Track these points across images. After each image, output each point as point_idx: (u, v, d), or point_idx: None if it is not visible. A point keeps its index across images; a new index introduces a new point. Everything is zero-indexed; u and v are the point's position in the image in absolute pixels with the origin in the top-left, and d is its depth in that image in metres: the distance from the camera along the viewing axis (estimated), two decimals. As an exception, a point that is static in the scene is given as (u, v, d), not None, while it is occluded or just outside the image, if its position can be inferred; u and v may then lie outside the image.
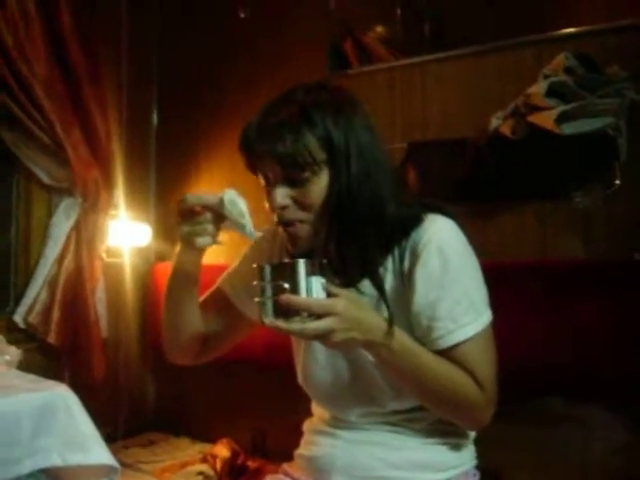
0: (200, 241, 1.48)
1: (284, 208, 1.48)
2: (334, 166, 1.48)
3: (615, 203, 2.23)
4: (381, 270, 1.56)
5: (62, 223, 3.10)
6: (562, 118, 2.12)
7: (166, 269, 3.35)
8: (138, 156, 3.51)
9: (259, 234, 1.47)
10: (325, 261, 1.41)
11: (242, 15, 3.24)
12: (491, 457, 1.84)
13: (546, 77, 2.23)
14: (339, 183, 1.48)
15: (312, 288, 1.34)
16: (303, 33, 3.07)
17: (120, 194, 3.25)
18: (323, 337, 1.34)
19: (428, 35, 2.81)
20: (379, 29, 3.02)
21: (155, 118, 3.62)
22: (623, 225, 2.23)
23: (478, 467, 1.75)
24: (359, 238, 1.52)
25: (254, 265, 1.39)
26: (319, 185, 1.48)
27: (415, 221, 1.54)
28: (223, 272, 1.78)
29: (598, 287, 2.17)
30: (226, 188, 1.44)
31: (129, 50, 3.43)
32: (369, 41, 2.99)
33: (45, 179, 3.09)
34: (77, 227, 3.09)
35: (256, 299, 1.37)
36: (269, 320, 1.34)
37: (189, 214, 1.47)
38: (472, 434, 1.72)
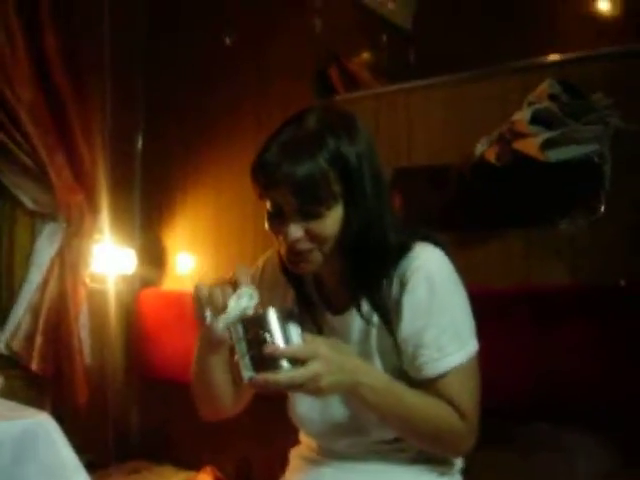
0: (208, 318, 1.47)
1: (297, 241, 1.47)
2: (350, 198, 1.47)
3: (600, 230, 2.23)
4: (364, 303, 1.56)
5: (46, 248, 3.08)
6: (547, 145, 2.13)
7: (151, 295, 3.37)
8: (123, 180, 3.49)
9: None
10: (296, 309, 1.41)
11: (227, 41, 3.25)
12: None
13: (530, 104, 2.24)
14: (356, 216, 1.48)
15: (290, 335, 1.33)
16: (288, 59, 3.08)
17: (104, 219, 3.23)
18: (311, 383, 1.33)
19: (413, 61, 2.82)
20: (365, 55, 3.04)
21: (140, 142, 3.61)
22: (608, 251, 2.23)
23: (465, 495, 1.75)
24: (364, 266, 1.52)
25: (223, 325, 1.39)
26: (334, 219, 1.47)
27: (404, 249, 1.54)
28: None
29: (583, 313, 2.17)
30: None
31: (114, 74, 3.42)
32: (355, 67, 3.00)
33: (29, 204, 3.07)
34: (61, 252, 3.07)
35: (235, 359, 1.36)
36: (250, 375, 1.32)
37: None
38: (459, 463, 1.72)
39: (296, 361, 1.31)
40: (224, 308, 1.40)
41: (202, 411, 1.74)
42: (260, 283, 1.75)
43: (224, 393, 1.68)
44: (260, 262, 1.79)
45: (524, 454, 2.34)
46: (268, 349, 1.30)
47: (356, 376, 1.39)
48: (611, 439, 2.20)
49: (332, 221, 1.47)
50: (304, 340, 1.35)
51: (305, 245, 1.48)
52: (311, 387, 1.34)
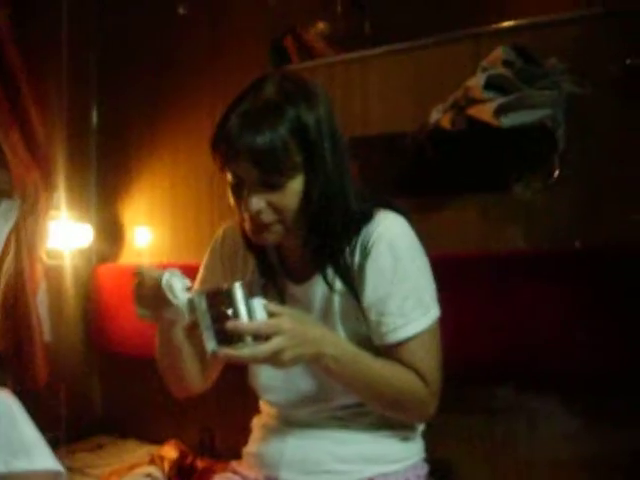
0: (140, 312, 1.49)
1: (259, 212, 1.47)
2: (311, 168, 1.48)
3: (555, 194, 2.25)
4: (327, 270, 1.57)
5: (1, 225, 3.04)
6: (500, 110, 2.14)
7: (108, 270, 3.34)
8: (78, 156, 3.45)
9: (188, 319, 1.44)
10: (263, 281, 1.41)
11: (181, 11, 3.22)
12: (439, 448, 1.86)
13: (484, 70, 2.24)
14: (317, 186, 1.48)
15: (254, 311, 1.33)
16: (243, 29, 3.05)
17: (60, 195, 3.19)
18: (273, 358, 1.34)
19: (369, 31, 2.81)
20: (320, 25, 3.02)
21: (95, 117, 3.57)
22: (564, 215, 2.25)
23: (427, 459, 1.77)
24: (327, 233, 1.53)
25: (189, 297, 1.40)
26: (295, 189, 1.48)
27: (366, 217, 1.55)
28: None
29: (541, 277, 2.19)
30: (172, 268, 1.44)
31: (67, 49, 3.36)
32: (310, 37, 2.98)
33: (-18, 181, 3.04)
34: (16, 229, 3.03)
35: (198, 331, 1.37)
36: (213, 348, 1.33)
37: (140, 284, 1.47)
38: (420, 427, 1.75)
39: (259, 336, 1.31)
40: (173, 294, 1.41)
41: (172, 389, 1.75)
42: (220, 252, 1.75)
43: (191, 371, 1.68)
44: (220, 231, 1.79)
45: (485, 417, 2.37)
46: (230, 325, 1.30)
47: (319, 347, 1.40)
48: (572, 401, 2.23)
49: (293, 192, 1.47)
50: (269, 314, 1.35)
51: (267, 217, 1.48)
52: (274, 361, 1.35)
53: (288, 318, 1.36)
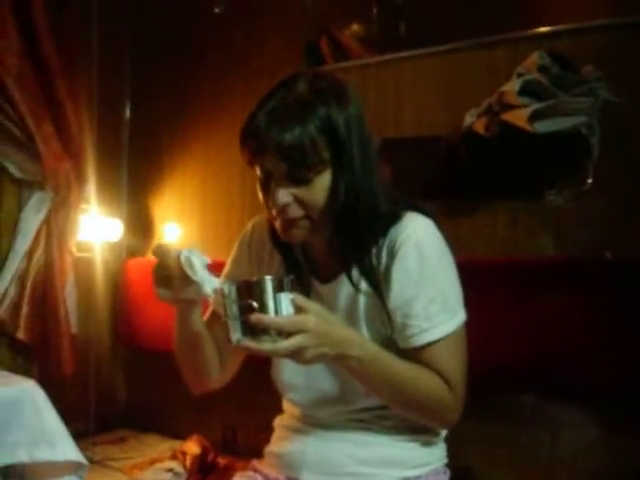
0: (160, 292, 1.46)
1: (286, 206, 1.47)
2: (338, 165, 1.47)
3: (587, 202, 2.23)
4: (353, 271, 1.56)
5: (32, 217, 3.06)
6: (535, 116, 2.12)
7: (137, 265, 3.36)
8: (110, 150, 3.48)
9: (212, 295, 1.42)
10: (292, 276, 1.41)
11: (217, 10, 3.22)
12: (462, 455, 1.85)
13: (520, 75, 2.23)
14: (344, 183, 1.48)
15: (281, 306, 1.33)
16: (279, 29, 3.06)
17: (92, 188, 3.22)
18: (295, 355, 1.33)
19: (404, 33, 2.80)
20: (355, 27, 3.01)
21: (128, 112, 3.59)
22: (595, 224, 2.23)
23: (449, 465, 1.75)
24: (354, 232, 1.52)
25: (218, 286, 1.39)
26: (323, 185, 1.47)
27: (394, 218, 1.55)
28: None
29: (569, 286, 2.18)
30: (192, 247, 1.42)
31: (101, 43, 3.40)
32: (345, 39, 2.98)
33: (16, 173, 3.05)
34: (47, 221, 3.06)
35: (223, 318, 1.37)
36: (237, 339, 1.33)
37: (160, 264, 1.45)
38: (443, 432, 1.73)
39: (282, 332, 1.31)
40: (193, 271, 1.40)
41: (190, 384, 1.75)
42: (249, 246, 1.76)
43: (209, 362, 1.68)
44: (249, 225, 1.79)
45: (508, 425, 2.35)
46: (254, 318, 1.30)
47: (342, 349, 1.39)
48: (595, 410, 2.21)
49: (320, 187, 1.47)
50: (296, 309, 1.34)
51: (294, 211, 1.48)
52: (295, 358, 1.35)
53: (313, 317, 1.35)
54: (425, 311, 1.50)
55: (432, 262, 1.53)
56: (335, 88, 1.52)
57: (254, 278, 1.36)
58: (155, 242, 3.42)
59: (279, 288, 1.33)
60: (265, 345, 1.31)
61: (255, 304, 1.31)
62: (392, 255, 1.53)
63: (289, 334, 1.31)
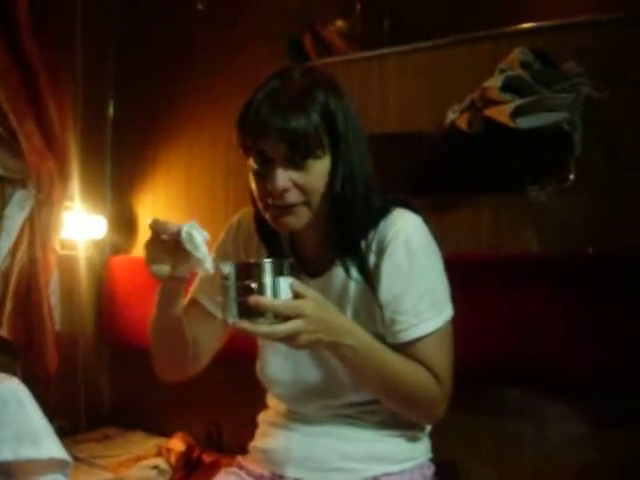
0: (156, 269, 1.41)
1: (285, 191, 1.47)
2: (336, 151, 1.49)
3: (569, 198, 2.25)
4: (348, 261, 1.57)
5: (15, 215, 3.04)
6: (517, 112, 2.13)
7: (121, 262, 3.35)
8: (94, 148, 3.46)
9: (212, 271, 1.40)
10: (292, 260, 1.41)
11: (200, 7, 3.22)
12: (446, 449, 1.86)
13: (502, 71, 2.24)
14: (342, 170, 1.49)
15: (279, 289, 1.33)
16: (262, 25, 3.06)
17: (75, 186, 3.20)
18: (290, 339, 1.33)
19: (387, 29, 2.81)
20: (339, 23, 3.01)
21: (111, 109, 3.58)
22: (577, 219, 2.25)
23: (433, 460, 1.76)
24: (347, 223, 1.53)
25: (212, 268, 1.38)
26: (321, 171, 1.48)
27: (384, 213, 1.56)
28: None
29: (552, 281, 2.19)
30: (190, 220, 1.39)
31: (85, 40, 3.38)
32: (328, 35, 2.98)
33: (-2, 170, 3.05)
34: (31, 219, 3.04)
35: (218, 298, 1.36)
36: (233, 320, 1.33)
37: (154, 241, 1.42)
38: (428, 427, 1.74)
39: (279, 315, 1.32)
40: (195, 247, 1.37)
41: (160, 371, 1.73)
42: (235, 239, 1.75)
43: (183, 352, 1.68)
44: (235, 218, 1.78)
45: (493, 419, 2.36)
46: (252, 300, 1.30)
47: (337, 336, 1.40)
48: (580, 404, 2.23)
49: (319, 173, 1.48)
50: (294, 294, 1.35)
51: (293, 197, 1.48)
52: (290, 342, 1.35)
53: (311, 302, 1.35)
54: (414, 307, 1.51)
55: (421, 258, 1.54)
56: (330, 79, 1.55)
57: (254, 260, 1.36)
58: (139, 239, 3.42)
59: (278, 272, 1.33)
60: (262, 328, 1.31)
61: (254, 286, 1.31)
62: (381, 251, 1.54)
63: (286, 318, 1.31)
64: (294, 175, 1.47)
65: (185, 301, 1.69)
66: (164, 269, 1.42)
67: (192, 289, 1.74)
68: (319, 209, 1.51)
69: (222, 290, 1.35)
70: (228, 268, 1.34)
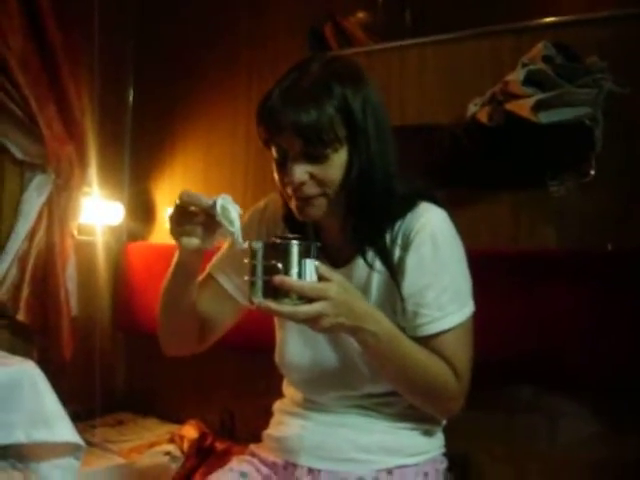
0: (186, 241, 1.43)
1: (302, 184, 1.47)
2: (354, 143, 1.48)
3: (590, 193, 2.24)
4: (372, 252, 1.56)
5: (34, 199, 3.06)
6: (539, 106, 2.12)
7: (138, 249, 3.36)
8: (113, 134, 3.47)
9: (245, 245, 1.39)
10: (319, 243, 1.40)
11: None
12: (459, 443, 1.86)
13: (524, 65, 2.22)
14: (359, 161, 1.48)
15: (305, 270, 1.33)
16: (284, 15, 3.07)
17: (94, 172, 3.22)
18: (313, 321, 1.33)
19: (409, 21, 2.80)
20: (360, 14, 3.01)
21: (131, 96, 3.58)
22: (597, 215, 2.24)
23: (446, 454, 1.76)
24: (369, 213, 1.53)
25: (246, 244, 1.37)
26: (339, 162, 1.48)
27: (410, 204, 1.55)
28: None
29: (571, 277, 2.18)
30: (223, 193, 1.39)
31: (105, 26, 3.37)
32: (349, 26, 2.97)
33: (18, 154, 3.05)
34: (49, 204, 3.06)
35: (245, 278, 1.36)
36: (258, 300, 1.33)
37: (183, 212, 1.42)
38: (443, 421, 1.73)
39: (304, 296, 1.32)
40: (230, 221, 1.38)
41: (164, 344, 1.74)
42: (259, 222, 1.74)
43: (190, 326, 1.68)
44: (262, 203, 1.78)
45: (506, 415, 2.36)
46: (277, 280, 1.30)
47: (360, 322, 1.40)
48: (594, 402, 2.22)
49: (336, 164, 1.48)
50: (319, 277, 1.35)
51: (311, 189, 1.48)
52: (312, 324, 1.35)
53: (336, 286, 1.35)
54: (437, 300, 1.50)
55: (446, 252, 1.53)
56: (351, 70, 1.53)
57: (280, 240, 1.36)
58: (156, 226, 3.43)
59: (305, 254, 1.33)
60: (285, 307, 1.31)
61: (280, 266, 1.31)
62: (407, 244, 1.53)
63: (310, 300, 1.31)
64: (310, 168, 1.47)
65: (201, 276, 1.70)
66: (193, 241, 1.43)
67: (210, 265, 1.75)
68: (338, 200, 1.50)
69: (248, 269, 1.35)
70: (255, 247, 1.34)
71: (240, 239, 1.39)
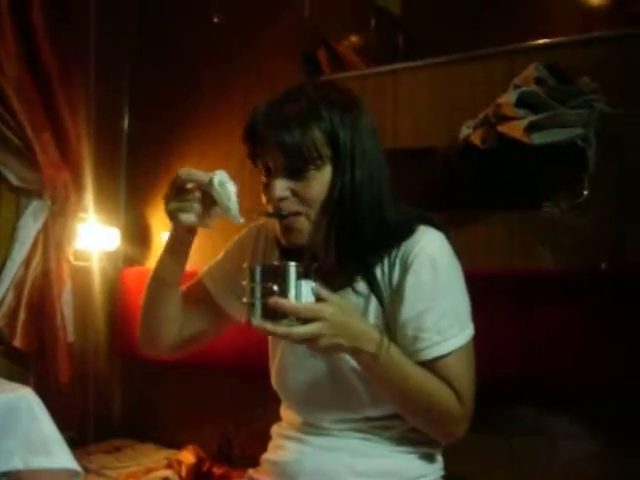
0: (184, 217, 1.44)
1: (282, 200, 1.47)
2: (338, 164, 1.48)
3: (583, 213, 2.24)
4: (364, 277, 1.56)
5: (30, 225, 3.07)
6: (532, 128, 2.14)
7: (134, 273, 3.35)
8: (108, 159, 3.48)
9: (242, 220, 1.43)
10: (316, 265, 1.41)
11: (215, 19, 3.24)
12: (459, 466, 1.85)
13: (516, 87, 2.24)
14: (342, 182, 1.48)
15: (301, 292, 1.34)
16: (277, 40, 3.08)
17: (89, 197, 3.23)
18: (310, 341, 1.34)
19: (402, 45, 2.82)
20: (353, 38, 3.03)
21: (126, 121, 3.60)
22: (590, 235, 2.24)
23: (445, 477, 1.75)
24: (357, 240, 1.52)
25: (244, 265, 1.38)
26: (321, 181, 1.48)
27: (407, 231, 1.55)
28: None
29: (565, 297, 2.18)
30: (219, 169, 1.41)
31: (100, 53, 3.41)
32: (342, 50, 2.99)
33: (13, 180, 3.06)
34: (45, 230, 3.06)
35: (244, 300, 1.37)
36: (257, 321, 1.33)
37: (179, 190, 1.44)
38: (442, 444, 1.72)
39: (300, 318, 1.32)
40: (227, 196, 1.40)
41: (141, 340, 1.74)
42: (254, 249, 1.74)
43: (170, 324, 1.68)
44: (254, 228, 1.77)
45: (505, 437, 2.35)
46: (272, 301, 1.31)
47: (358, 342, 1.40)
48: (593, 422, 2.21)
49: (318, 182, 1.48)
50: (316, 297, 1.35)
51: (290, 205, 1.48)
52: (309, 344, 1.35)
53: (332, 307, 1.35)
54: (437, 325, 1.49)
55: (444, 276, 1.53)
56: (343, 96, 1.54)
57: (278, 262, 1.36)
58: (152, 251, 3.43)
59: (302, 275, 1.34)
60: (281, 328, 1.31)
61: (276, 288, 1.32)
62: (405, 268, 1.52)
63: (306, 321, 1.32)
64: (292, 184, 1.47)
65: (190, 282, 1.73)
66: (190, 217, 1.44)
67: (201, 273, 1.76)
68: (320, 223, 1.50)
69: (247, 291, 1.36)
70: (253, 269, 1.35)
71: (237, 214, 1.41)
